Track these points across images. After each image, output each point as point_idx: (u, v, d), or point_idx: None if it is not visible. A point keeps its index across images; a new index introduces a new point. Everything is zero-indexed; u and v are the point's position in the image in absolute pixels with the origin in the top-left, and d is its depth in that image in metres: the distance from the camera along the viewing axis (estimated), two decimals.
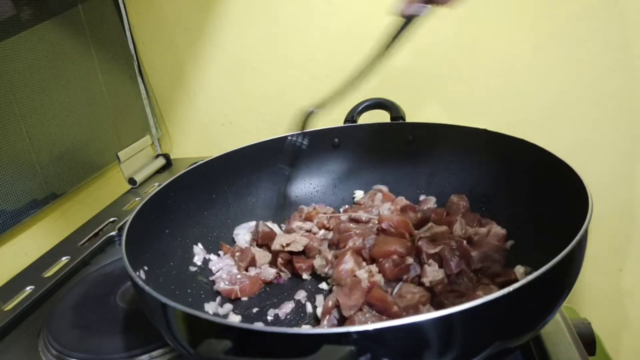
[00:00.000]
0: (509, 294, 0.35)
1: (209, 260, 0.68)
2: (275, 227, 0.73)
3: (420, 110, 0.85)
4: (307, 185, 0.81)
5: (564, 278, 0.42)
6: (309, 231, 0.70)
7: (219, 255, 0.69)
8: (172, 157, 1.14)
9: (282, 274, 0.66)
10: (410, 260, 0.57)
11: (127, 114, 1.09)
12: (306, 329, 0.53)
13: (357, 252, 0.61)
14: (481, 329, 0.37)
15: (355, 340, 0.34)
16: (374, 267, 0.58)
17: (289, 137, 0.74)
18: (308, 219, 0.73)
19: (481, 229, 0.63)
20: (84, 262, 0.78)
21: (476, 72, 0.98)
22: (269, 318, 0.58)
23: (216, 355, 0.33)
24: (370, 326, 0.34)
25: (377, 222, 0.65)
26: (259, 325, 0.55)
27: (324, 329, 0.49)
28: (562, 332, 0.52)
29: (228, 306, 0.61)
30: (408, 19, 0.57)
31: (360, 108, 0.83)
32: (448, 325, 0.35)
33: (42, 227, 0.86)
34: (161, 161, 1.11)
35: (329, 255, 0.63)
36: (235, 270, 0.66)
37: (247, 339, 0.36)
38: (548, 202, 0.58)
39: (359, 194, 0.79)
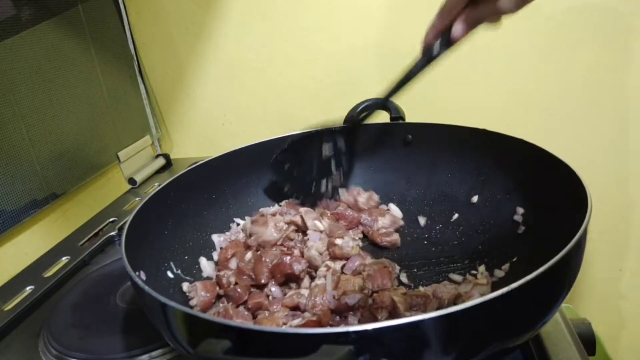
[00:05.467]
0: (508, 293, 0.35)
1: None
2: None
3: (420, 110, 0.85)
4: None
5: (563, 278, 0.42)
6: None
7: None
8: (172, 157, 1.14)
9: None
10: None
11: (127, 114, 1.09)
12: (305, 329, 0.53)
13: None
14: (480, 329, 0.37)
15: (354, 340, 0.34)
16: None
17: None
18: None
19: None
20: (84, 262, 0.78)
21: (476, 72, 0.98)
22: None
23: (215, 355, 0.33)
24: (369, 326, 0.34)
25: None
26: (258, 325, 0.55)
27: (323, 329, 0.49)
28: (562, 332, 0.52)
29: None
30: (430, 57, 0.58)
31: (360, 108, 0.83)
32: (447, 325, 0.35)
33: (42, 227, 0.86)
34: (161, 161, 1.11)
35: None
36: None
37: (246, 338, 0.36)
38: (547, 202, 0.58)
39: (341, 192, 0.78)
